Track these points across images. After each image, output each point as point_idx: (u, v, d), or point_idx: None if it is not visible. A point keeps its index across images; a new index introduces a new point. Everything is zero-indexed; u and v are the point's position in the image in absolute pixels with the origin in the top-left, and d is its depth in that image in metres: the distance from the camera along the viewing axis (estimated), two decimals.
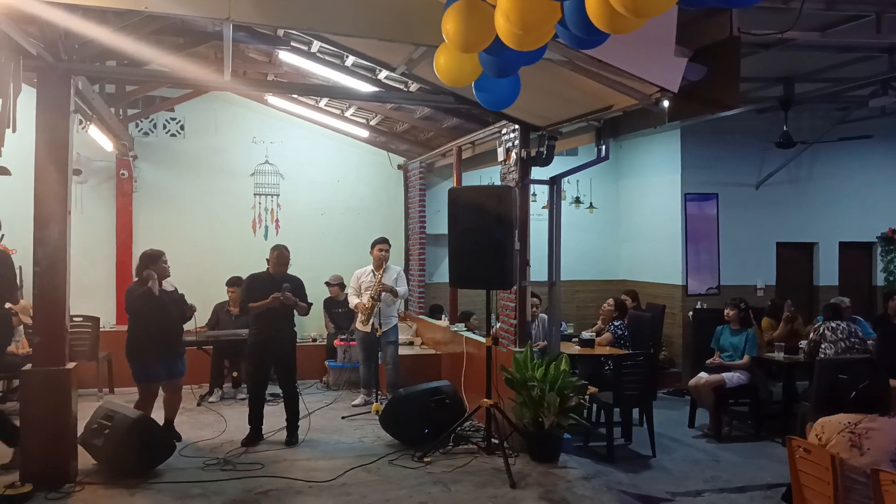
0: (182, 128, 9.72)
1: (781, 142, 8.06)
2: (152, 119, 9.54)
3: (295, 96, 9.01)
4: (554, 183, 6.63)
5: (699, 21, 4.73)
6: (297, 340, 6.93)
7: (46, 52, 4.96)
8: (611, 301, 8.10)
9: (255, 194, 10.03)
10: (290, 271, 6.84)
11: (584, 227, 10.96)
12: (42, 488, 5.07)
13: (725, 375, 7.26)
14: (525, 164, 6.48)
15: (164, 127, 9.66)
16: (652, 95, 4.80)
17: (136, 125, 9.46)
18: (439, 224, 10.26)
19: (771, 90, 7.78)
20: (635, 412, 7.11)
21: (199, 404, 8.07)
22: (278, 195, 10.11)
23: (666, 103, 5.00)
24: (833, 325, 7.15)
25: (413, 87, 7.05)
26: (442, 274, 10.50)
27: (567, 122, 6.04)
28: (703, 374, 7.46)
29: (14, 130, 4.36)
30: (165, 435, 5.83)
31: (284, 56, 7.09)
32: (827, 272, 10.27)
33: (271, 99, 9.18)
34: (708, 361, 7.58)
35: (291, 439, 6.55)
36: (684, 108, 5.12)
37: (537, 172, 6.68)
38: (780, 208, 9.97)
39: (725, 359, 7.51)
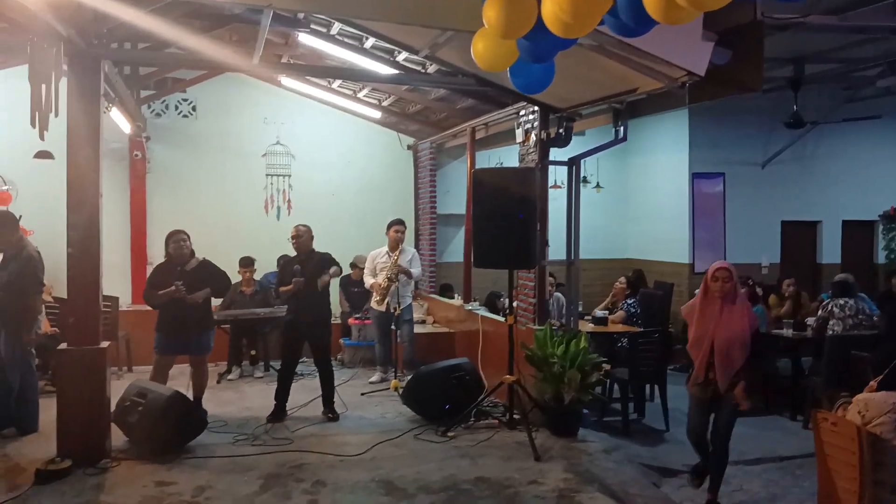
0: (194, 109, 9.75)
1: (791, 122, 8.18)
2: (164, 101, 9.57)
3: (308, 77, 9.04)
4: (573, 164, 6.73)
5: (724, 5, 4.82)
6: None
7: (78, 36, 5.01)
8: (622, 279, 8.26)
9: (266, 175, 10.10)
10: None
11: (591, 205, 11.00)
12: (80, 464, 5.20)
13: None
14: (545, 146, 6.59)
15: (177, 108, 9.69)
16: (679, 79, 4.90)
17: (149, 106, 9.49)
18: (449, 204, 10.39)
19: (780, 70, 7.89)
20: (647, 387, 7.30)
21: (218, 382, 8.20)
22: (290, 176, 10.18)
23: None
24: (841, 301, 7.33)
25: (431, 69, 7.12)
26: (451, 253, 10.65)
27: (589, 104, 6.13)
28: None
29: (56, 115, 4.42)
30: (197, 411, 5.96)
31: (304, 38, 7.13)
32: (830, 250, 10.46)
33: (284, 80, 9.21)
34: None
35: (331, 414, 6.74)
36: (706, 90, 5.22)
37: (555, 153, 6.79)
38: (786, 187, 10.13)
39: None
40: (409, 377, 7.66)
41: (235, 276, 8.93)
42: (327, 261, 6.88)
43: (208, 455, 5.65)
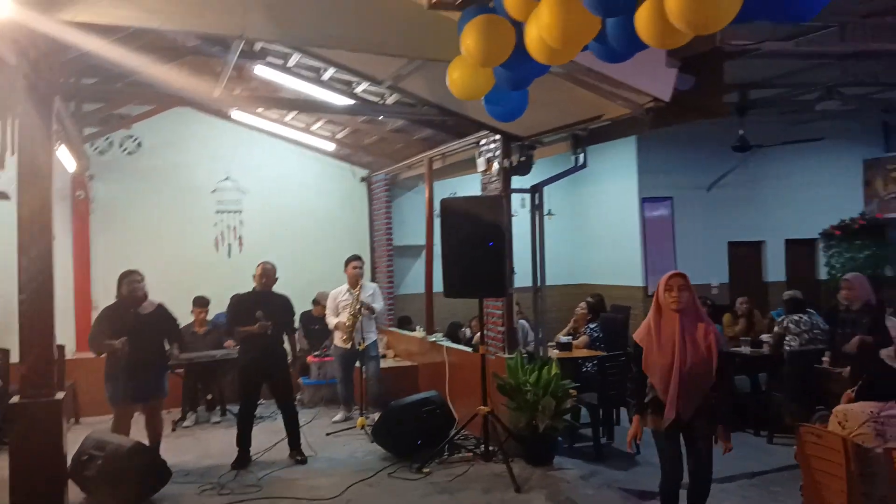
0: (139, 146, 9.45)
1: (739, 145, 8.46)
2: (109, 138, 9.24)
3: (260, 110, 8.89)
4: (535, 191, 6.78)
5: None
6: None
7: (31, 69, 4.79)
8: (584, 304, 8.31)
9: (216, 211, 9.83)
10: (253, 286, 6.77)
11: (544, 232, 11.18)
12: None
13: None
14: (507, 174, 6.61)
15: (121, 145, 9.37)
16: (644, 105, 4.99)
17: (91, 144, 9.15)
18: (405, 235, 10.32)
19: (726, 97, 8.15)
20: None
21: (174, 430, 7.83)
22: (241, 211, 9.94)
23: None
24: (796, 317, 7.54)
25: (391, 99, 7.10)
26: (408, 285, 10.56)
27: (552, 131, 6.20)
28: None
29: (13, 153, 4.19)
30: (161, 462, 5.65)
31: (259, 70, 7.02)
32: (775, 268, 10.81)
33: (234, 114, 9.04)
34: None
35: (299, 457, 6.52)
36: (668, 116, 5.34)
37: (516, 182, 6.82)
38: (731, 209, 10.45)
39: None
40: (379, 414, 7.51)
41: (187, 317, 8.66)
42: (288, 309, 6.75)
43: None
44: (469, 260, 5.86)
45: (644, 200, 10.22)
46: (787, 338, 7.49)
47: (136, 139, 9.43)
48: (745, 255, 10.74)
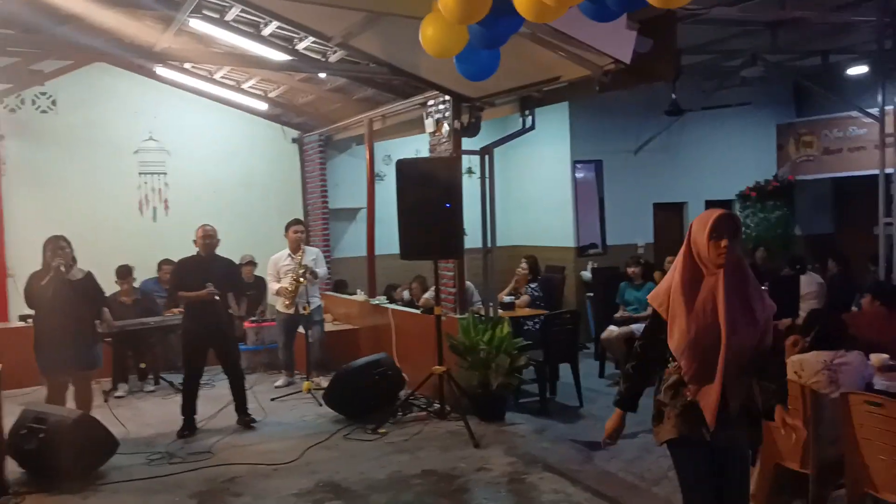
0: (54, 104, 8.84)
1: (671, 110, 8.72)
2: (20, 95, 8.60)
3: (188, 66, 8.47)
4: (486, 153, 6.79)
5: None
6: None
7: None
8: (524, 265, 8.44)
9: (140, 173, 9.37)
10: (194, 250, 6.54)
11: (475, 196, 11.22)
12: None
13: (633, 327, 7.84)
14: (458, 136, 6.59)
15: (34, 103, 8.74)
16: (604, 67, 5.07)
17: (0, 102, 8.49)
18: (340, 198, 10.15)
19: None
20: None
21: (106, 400, 7.48)
22: (165, 173, 9.51)
23: None
24: None
25: (334, 57, 6.91)
26: (344, 248, 10.42)
27: (505, 93, 6.21)
28: (613, 328, 8.00)
29: None
30: (107, 432, 5.41)
31: (195, 24, 6.66)
32: None
33: (160, 70, 8.57)
34: (616, 315, 8.15)
35: (246, 418, 6.42)
36: (619, 80, 5.45)
37: (466, 143, 6.82)
38: (656, 172, 10.77)
39: (631, 312, 8.11)
40: (324, 378, 7.46)
41: (111, 286, 8.25)
42: (235, 271, 6.56)
43: (126, 479, 5.18)
44: (426, 222, 5.83)
45: (576, 163, 10.42)
46: None
47: (49, 96, 8.82)
48: (668, 216, 11.15)
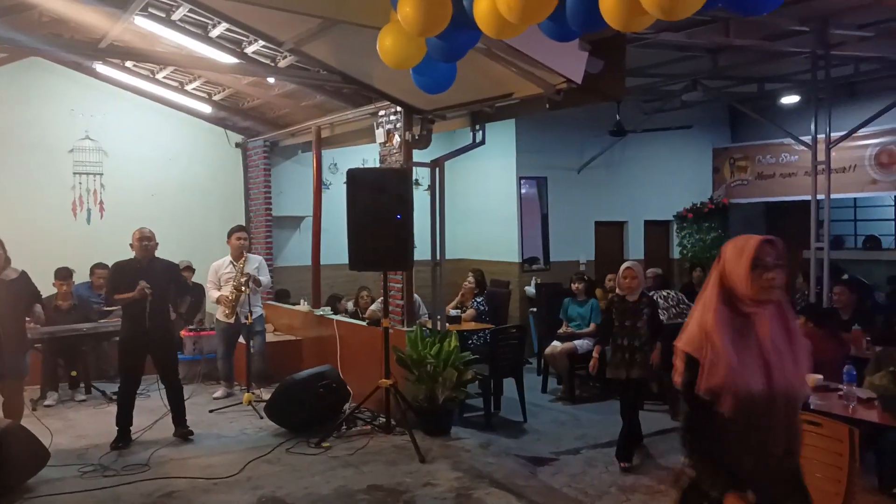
0: None
1: (615, 130, 8.91)
2: None
3: (129, 65, 8.21)
4: (437, 165, 6.79)
5: None
6: None
7: None
8: (471, 279, 8.47)
9: (75, 173, 9.01)
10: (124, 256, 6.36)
11: (422, 208, 11.22)
12: None
13: (576, 343, 7.96)
14: (409, 147, 6.58)
15: None
16: (557, 85, 5.14)
17: None
18: (284, 205, 9.99)
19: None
20: None
21: (34, 409, 7.14)
22: (102, 174, 9.18)
23: None
24: (664, 293, 8.15)
25: (284, 62, 6.82)
26: (287, 257, 10.25)
27: (457, 107, 6.23)
28: (556, 343, 8.09)
29: None
30: (38, 443, 5.15)
31: (140, 21, 6.47)
32: (635, 247, 11.53)
33: (99, 67, 8.28)
34: (559, 331, 8.24)
35: (184, 430, 6.21)
36: (571, 98, 5.55)
37: (417, 155, 6.81)
38: (598, 191, 11.00)
39: (574, 328, 8.22)
40: (265, 390, 7.31)
41: (43, 290, 7.90)
42: (175, 274, 6.37)
43: (56, 492, 4.96)
44: (376, 232, 5.78)
45: (521, 179, 10.54)
46: None
47: None
48: (609, 234, 11.38)
